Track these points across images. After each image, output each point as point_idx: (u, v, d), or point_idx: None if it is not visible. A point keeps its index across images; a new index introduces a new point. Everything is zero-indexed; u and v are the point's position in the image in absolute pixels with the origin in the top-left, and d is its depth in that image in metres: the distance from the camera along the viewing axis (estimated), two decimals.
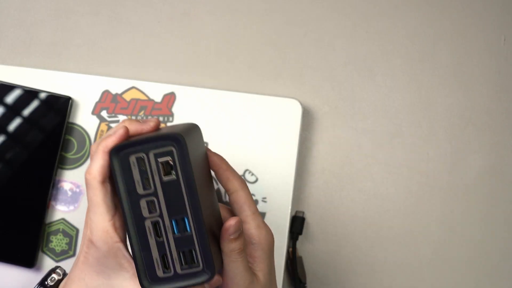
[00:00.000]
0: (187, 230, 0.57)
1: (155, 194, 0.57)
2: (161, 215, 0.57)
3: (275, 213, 0.84)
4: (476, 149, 0.87)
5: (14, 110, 0.84)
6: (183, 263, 0.58)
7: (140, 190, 0.57)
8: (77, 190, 0.85)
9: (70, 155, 0.85)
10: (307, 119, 0.87)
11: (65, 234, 0.84)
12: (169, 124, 0.86)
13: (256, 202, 0.84)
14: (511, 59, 0.89)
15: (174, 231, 0.57)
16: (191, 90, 0.86)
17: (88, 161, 0.84)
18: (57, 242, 0.84)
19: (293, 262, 0.84)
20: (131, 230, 0.58)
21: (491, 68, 0.88)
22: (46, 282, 0.68)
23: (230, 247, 0.60)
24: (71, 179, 0.85)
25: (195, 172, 0.57)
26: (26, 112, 0.84)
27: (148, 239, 0.58)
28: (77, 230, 0.84)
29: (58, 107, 0.84)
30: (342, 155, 0.87)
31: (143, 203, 0.57)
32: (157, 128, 0.61)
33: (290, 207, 0.84)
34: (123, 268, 0.61)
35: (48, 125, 0.84)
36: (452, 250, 0.87)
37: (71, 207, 0.84)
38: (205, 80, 0.88)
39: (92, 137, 0.85)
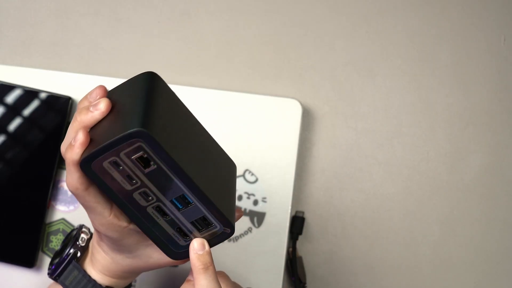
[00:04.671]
0: (190, 203, 0.56)
1: (144, 185, 0.55)
2: (159, 200, 0.56)
3: (275, 213, 0.84)
4: (476, 149, 0.87)
5: (14, 110, 0.84)
6: (200, 229, 0.58)
7: (127, 186, 0.55)
8: None
9: None
10: (307, 119, 0.87)
11: (65, 234, 0.84)
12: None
13: (256, 202, 0.84)
14: (511, 59, 0.89)
15: (178, 207, 0.56)
16: (191, 90, 0.86)
17: None
18: (57, 242, 0.84)
19: (293, 262, 0.84)
20: (137, 221, 0.57)
21: (491, 68, 0.88)
22: (77, 243, 0.67)
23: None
24: None
25: (174, 150, 0.54)
26: (26, 112, 0.84)
27: (157, 221, 0.57)
28: None
29: (58, 107, 0.84)
30: (342, 155, 0.87)
31: (136, 196, 0.56)
32: (109, 108, 0.56)
33: (290, 207, 0.84)
34: (142, 239, 0.61)
35: (48, 125, 0.84)
36: (452, 250, 0.87)
37: (71, 207, 0.84)
38: (205, 80, 0.88)
39: None
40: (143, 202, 0.56)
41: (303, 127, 0.86)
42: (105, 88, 0.57)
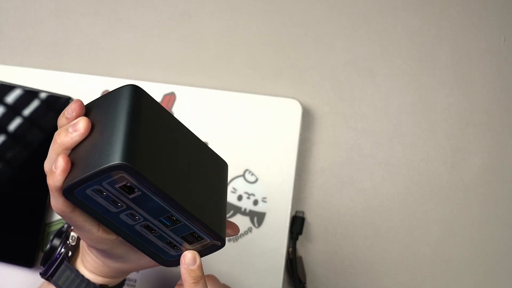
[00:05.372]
0: (178, 220, 0.55)
1: (129, 208, 0.54)
2: (146, 219, 0.55)
3: (275, 213, 0.84)
4: (476, 149, 0.87)
5: (14, 110, 0.84)
6: (190, 242, 0.57)
7: (113, 209, 0.55)
8: None
9: None
10: (307, 119, 0.87)
11: None
12: None
13: (256, 202, 0.84)
14: (511, 59, 0.89)
15: (166, 224, 0.56)
16: (191, 90, 0.86)
17: None
18: None
19: (293, 262, 0.84)
20: (125, 237, 0.57)
21: (491, 68, 0.88)
22: (68, 242, 0.67)
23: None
24: None
25: (158, 177, 0.53)
26: (26, 112, 0.84)
27: (147, 236, 0.57)
28: None
29: (58, 107, 0.84)
30: (342, 155, 0.87)
31: (123, 216, 0.55)
32: (88, 128, 0.54)
33: (290, 207, 0.84)
34: (132, 247, 0.61)
35: (48, 125, 0.84)
36: (452, 250, 0.87)
37: None
38: (205, 80, 0.88)
39: None
40: (130, 222, 0.56)
41: (303, 127, 0.86)
42: (81, 103, 0.56)
